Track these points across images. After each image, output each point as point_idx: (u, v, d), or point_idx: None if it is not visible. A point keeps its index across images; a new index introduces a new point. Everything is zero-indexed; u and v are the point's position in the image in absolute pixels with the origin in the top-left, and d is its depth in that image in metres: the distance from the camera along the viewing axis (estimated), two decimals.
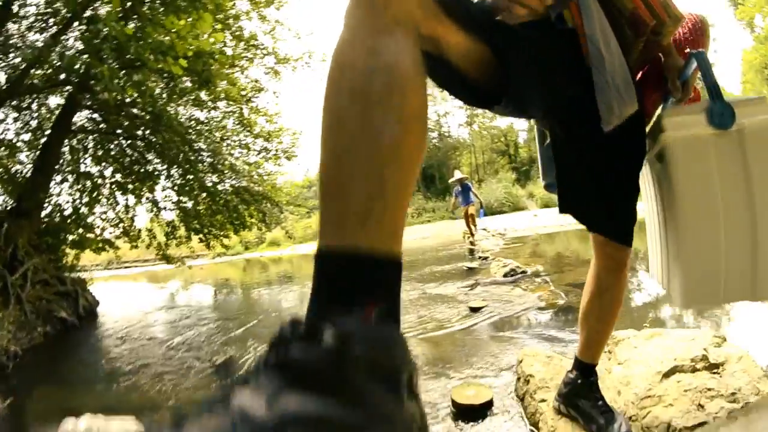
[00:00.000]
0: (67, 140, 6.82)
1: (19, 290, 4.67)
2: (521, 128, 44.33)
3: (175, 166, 7.60)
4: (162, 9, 5.30)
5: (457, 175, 10.16)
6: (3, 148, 6.34)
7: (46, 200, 6.53)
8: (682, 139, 1.06)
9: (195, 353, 3.67)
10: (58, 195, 7.22)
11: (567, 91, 1.05)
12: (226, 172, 7.39)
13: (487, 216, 17.12)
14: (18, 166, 6.59)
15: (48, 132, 6.37)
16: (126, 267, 12.47)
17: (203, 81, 6.80)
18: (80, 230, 6.71)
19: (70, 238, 6.46)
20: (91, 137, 7.50)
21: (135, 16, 5.52)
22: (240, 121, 7.73)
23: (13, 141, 6.47)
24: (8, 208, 5.74)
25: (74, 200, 7.40)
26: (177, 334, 4.54)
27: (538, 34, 0.96)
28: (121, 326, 5.19)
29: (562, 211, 1.19)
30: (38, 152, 6.26)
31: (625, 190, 1.12)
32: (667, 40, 1.13)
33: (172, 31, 4.81)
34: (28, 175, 6.15)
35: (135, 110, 6.56)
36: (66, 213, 7.03)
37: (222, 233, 7.87)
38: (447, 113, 43.63)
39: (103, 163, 7.73)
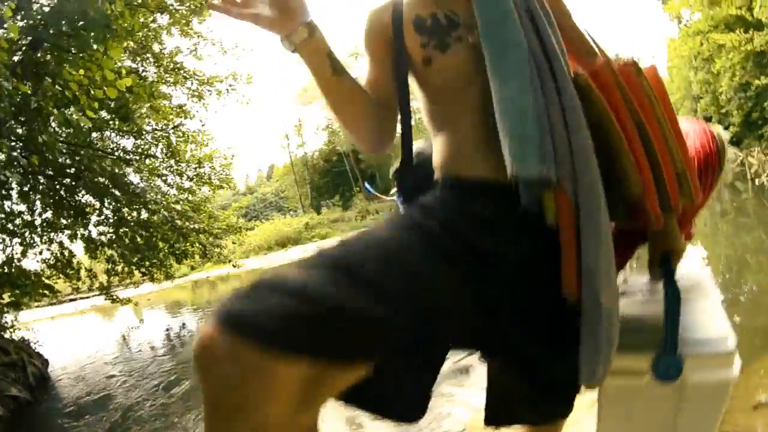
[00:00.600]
0: None
1: None
2: None
3: (106, 201, 7.35)
4: (66, 51, 5.07)
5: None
6: None
7: None
8: (615, 387, 0.97)
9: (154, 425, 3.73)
10: None
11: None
12: (159, 205, 7.20)
13: None
14: None
15: None
16: (70, 300, 11.98)
17: (121, 118, 6.60)
18: (17, 281, 6.33)
19: (6, 298, 6.17)
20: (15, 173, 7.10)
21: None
22: (168, 148, 7.52)
23: None
24: None
25: (5, 247, 7.04)
26: (134, 399, 4.60)
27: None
28: (75, 396, 5.15)
29: (488, 423, 1.00)
30: None
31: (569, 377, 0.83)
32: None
33: (71, 82, 4.51)
34: None
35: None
36: None
37: (164, 266, 7.74)
38: None
39: (32, 200, 7.34)
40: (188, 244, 7.48)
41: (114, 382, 5.39)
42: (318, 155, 44.72)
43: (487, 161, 0.81)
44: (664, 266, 0.95)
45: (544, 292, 0.79)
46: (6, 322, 6.27)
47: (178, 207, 7.40)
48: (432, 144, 0.95)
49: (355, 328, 0.61)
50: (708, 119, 21.82)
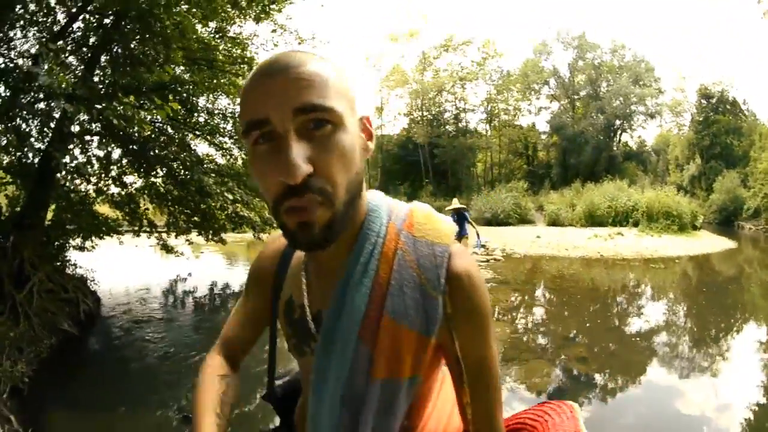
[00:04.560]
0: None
1: (27, 307, 5.07)
2: (543, 130, 43.04)
3: (175, 164, 7.73)
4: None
5: (454, 204, 10.22)
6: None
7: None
8: None
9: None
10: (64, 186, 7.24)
11: None
12: (220, 177, 7.56)
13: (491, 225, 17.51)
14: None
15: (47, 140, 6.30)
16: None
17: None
18: (87, 225, 7.02)
19: (74, 242, 6.95)
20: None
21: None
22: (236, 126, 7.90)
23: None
24: (12, 220, 5.93)
25: (78, 186, 7.56)
26: (162, 353, 5.23)
27: None
28: (117, 340, 5.89)
29: None
30: (37, 163, 6.11)
31: None
32: None
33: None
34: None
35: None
36: (74, 199, 7.18)
37: (218, 232, 8.23)
38: (467, 109, 42.57)
39: (110, 147, 7.88)
40: (242, 220, 7.93)
41: (151, 332, 6.11)
42: (394, 140, 44.73)
43: None
44: None
45: None
46: (69, 260, 7.02)
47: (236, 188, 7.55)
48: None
49: None
50: None
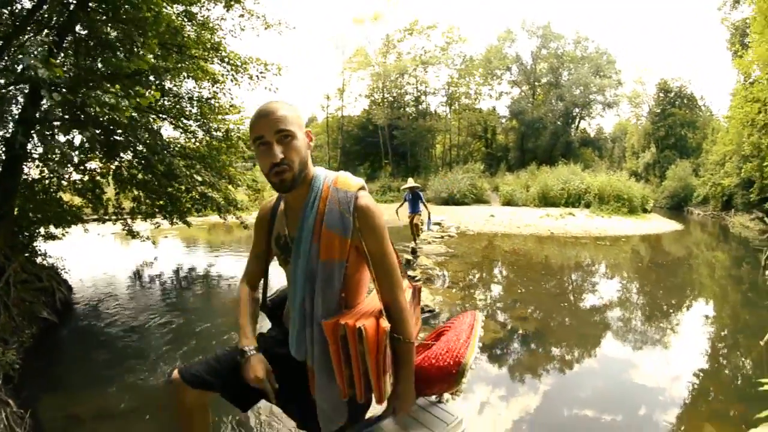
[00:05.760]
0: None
1: (5, 298, 5.05)
2: (503, 114, 43.45)
3: (139, 145, 7.71)
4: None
5: (410, 182, 10.66)
6: None
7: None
8: None
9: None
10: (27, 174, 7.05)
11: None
12: (186, 159, 7.57)
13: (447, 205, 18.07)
14: None
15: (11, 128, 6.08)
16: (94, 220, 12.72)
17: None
18: (53, 215, 6.90)
19: (43, 230, 6.91)
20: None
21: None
22: (201, 109, 7.88)
23: None
24: None
25: (43, 174, 7.41)
26: (137, 336, 5.35)
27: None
28: (95, 322, 5.98)
29: None
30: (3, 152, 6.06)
31: None
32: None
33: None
34: None
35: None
36: (37, 188, 7.04)
37: (183, 214, 8.22)
38: (428, 92, 42.63)
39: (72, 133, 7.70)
40: (207, 202, 7.95)
41: (123, 312, 6.30)
42: (354, 122, 44.45)
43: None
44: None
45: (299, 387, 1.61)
46: (39, 250, 6.96)
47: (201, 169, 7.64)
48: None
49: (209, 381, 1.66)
50: (751, 183, 20.82)
